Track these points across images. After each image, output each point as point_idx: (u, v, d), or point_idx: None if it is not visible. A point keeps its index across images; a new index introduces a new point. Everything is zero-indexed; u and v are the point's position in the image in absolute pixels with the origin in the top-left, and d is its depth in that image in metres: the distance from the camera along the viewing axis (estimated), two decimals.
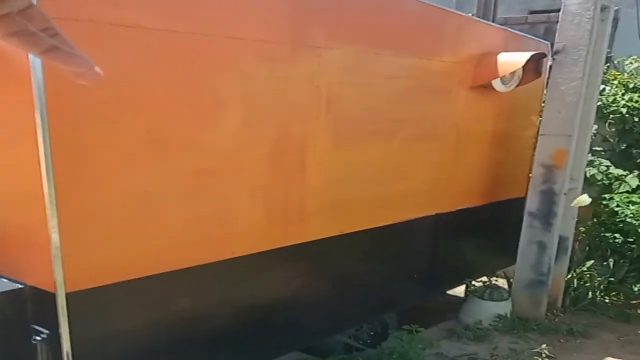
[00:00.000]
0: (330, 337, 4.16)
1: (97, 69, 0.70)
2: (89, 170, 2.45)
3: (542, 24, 6.75)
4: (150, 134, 2.62)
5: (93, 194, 2.48)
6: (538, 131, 4.89)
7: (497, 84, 4.33)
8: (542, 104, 4.99)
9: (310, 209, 3.47)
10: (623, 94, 5.67)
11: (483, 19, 6.00)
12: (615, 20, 6.31)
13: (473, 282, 5.14)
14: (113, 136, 2.50)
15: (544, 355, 3.79)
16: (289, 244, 3.37)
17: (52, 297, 2.40)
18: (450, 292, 5.41)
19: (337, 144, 3.50)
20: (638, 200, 5.38)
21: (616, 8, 5.09)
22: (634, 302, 5.46)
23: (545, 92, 4.90)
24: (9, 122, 2.49)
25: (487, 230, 5.06)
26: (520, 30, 5.13)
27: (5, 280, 2.59)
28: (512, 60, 4.26)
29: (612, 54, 6.26)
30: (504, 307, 4.91)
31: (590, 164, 5.45)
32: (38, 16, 0.65)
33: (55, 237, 2.34)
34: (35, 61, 2.21)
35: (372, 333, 4.53)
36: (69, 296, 2.43)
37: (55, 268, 2.37)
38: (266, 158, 3.15)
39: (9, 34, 0.63)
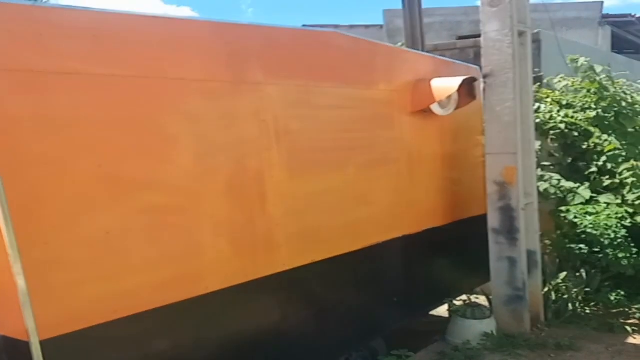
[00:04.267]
0: None
1: None
2: (46, 214, 2.47)
3: (471, 49, 7.15)
4: (102, 173, 2.66)
5: (54, 237, 2.48)
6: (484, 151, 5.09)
7: (436, 108, 4.59)
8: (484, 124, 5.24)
9: (277, 240, 3.50)
10: (558, 111, 6.04)
11: (413, 47, 6.36)
12: (538, 42, 6.88)
13: (454, 302, 5.05)
14: (65, 178, 2.54)
15: None
16: (261, 276, 3.37)
17: (26, 345, 2.35)
18: (433, 312, 5.31)
19: (293, 174, 3.60)
20: (593, 210, 5.55)
21: (535, 31, 5.51)
22: (614, 311, 5.45)
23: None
24: None
25: (457, 248, 5.11)
26: (451, 56, 5.53)
27: None
28: (446, 85, 4.55)
29: (541, 73, 6.73)
30: (488, 325, 4.83)
31: (540, 178, 5.65)
32: None
33: (21, 282, 2.32)
34: None
35: None
36: (43, 344, 2.38)
37: (26, 315, 2.33)
38: (225, 191, 3.21)
39: None
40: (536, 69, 5.41)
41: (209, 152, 3.13)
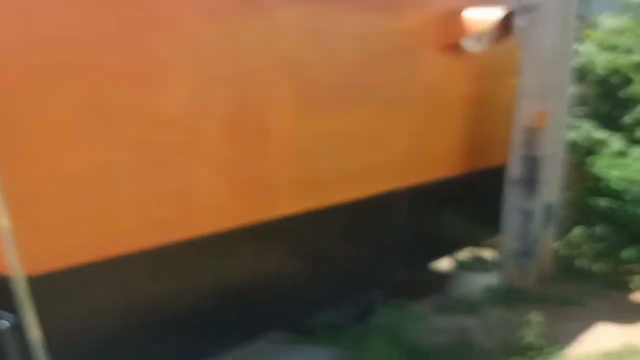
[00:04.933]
0: (312, 316, 4.02)
1: None
2: (27, 144, 2.30)
3: None
4: (88, 101, 2.44)
5: (37, 170, 2.34)
6: (516, 94, 4.72)
7: (467, 43, 4.15)
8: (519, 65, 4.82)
9: (280, 183, 3.30)
10: (599, 54, 5.52)
11: None
12: None
13: (459, 255, 4.98)
14: (48, 105, 2.32)
15: (535, 323, 3.65)
16: (261, 220, 3.22)
17: (10, 280, 2.29)
18: (437, 265, 5.26)
19: (301, 112, 3.31)
20: (621, 163, 5.24)
21: None
22: (624, 269, 5.32)
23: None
24: None
25: (469, 200, 4.90)
26: None
27: None
28: (482, 17, 4.11)
29: (587, 11, 6.10)
30: (492, 279, 4.78)
31: (571, 127, 5.29)
32: None
33: (3, 218, 2.20)
34: None
35: (358, 309, 4.34)
36: (30, 280, 2.32)
37: (9, 249, 2.25)
38: (224, 128, 2.96)
39: None
40: (581, 8, 4.88)
41: (208, 82, 2.85)
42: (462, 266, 4.89)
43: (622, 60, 5.59)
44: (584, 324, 4.21)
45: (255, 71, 3.04)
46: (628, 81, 5.55)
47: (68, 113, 2.38)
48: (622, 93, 5.55)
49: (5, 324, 2.39)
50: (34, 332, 2.38)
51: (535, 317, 3.70)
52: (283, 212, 3.34)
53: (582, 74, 5.55)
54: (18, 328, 2.37)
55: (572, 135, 5.29)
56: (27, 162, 2.30)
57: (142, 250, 2.70)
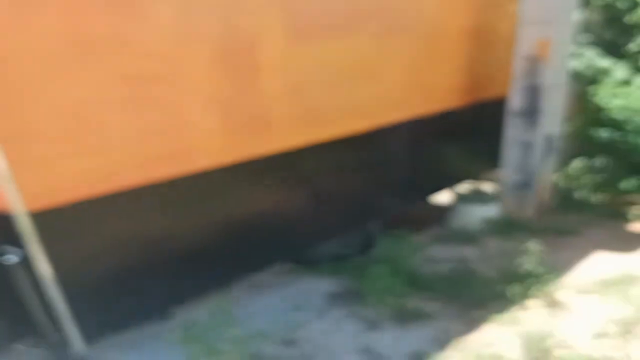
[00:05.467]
0: (315, 248, 4.07)
1: None
2: (10, 79, 2.21)
3: None
4: (71, 31, 2.33)
5: (22, 106, 2.26)
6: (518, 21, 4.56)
7: None
8: None
9: (274, 117, 3.21)
10: None
11: None
12: None
13: (458, 187, 4.98)
14: (29, 37, 2.22)
15: (532, 252, 3.70)
16: (256, 156, 3.17)
17: (14, 218, 2.30)
18: (435, 198, 5.28)
19: (294, 41, 3.18)
20: (623, 93, 5.14)
21: None
22: (622, 199, 5.36)
23: None
24: None
25: (469, 133, 4.84)
26: None
27: None
28: None
29: None
30: (491, 210, 4.82)
31: (574, 55, 5.15)
32: None
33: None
34: None
35: (359, 241, 4.42)
36: (32, 216, 2.33)
37: (8, 187, 2.24)
38: (213, 59, 2.85)
39: None
40: None
41: (194, 9, 2.71)
42: (462, 198, 4.89)
43: None
44: (582, 253, 4.26)
45: None
46: (634, 5, 5.37)
47: (51, 47, 2.29)
48: (628, 19, 5.38)
49: (14, 258, 2.42)
50: (43, 266, 2.42)
51: (533, 246, 3.73)
52: (280, 147, 3.29)
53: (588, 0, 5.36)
54: (26, 262, 2.40)
55: (575, 63, 5.16)
56: (11, 96, 2.24)
57: (140, 185, 2.68)
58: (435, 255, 4.30)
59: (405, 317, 3.34)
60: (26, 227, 2.36)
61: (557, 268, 3.84)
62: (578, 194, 5.28)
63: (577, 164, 5.26)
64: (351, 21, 3.48)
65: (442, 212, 5.09)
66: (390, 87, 3.93)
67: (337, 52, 3.45)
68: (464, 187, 5.12)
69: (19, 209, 2.31)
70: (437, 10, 4.11)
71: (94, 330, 2.67)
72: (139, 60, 2.58)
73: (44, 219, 2.38)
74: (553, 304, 3.45)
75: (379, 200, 4.30)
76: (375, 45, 3.70)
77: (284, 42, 3.12)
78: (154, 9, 2.57)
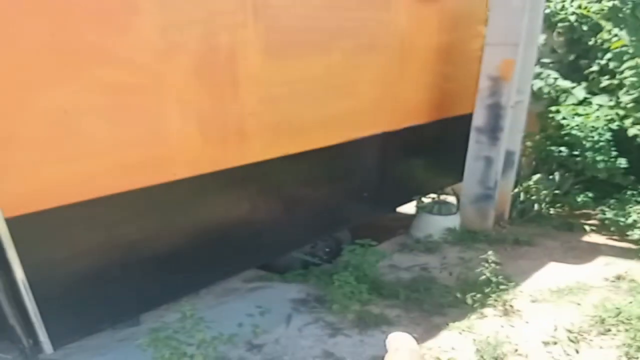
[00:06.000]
0: (284, 255, 4.16)
1: None
2: None
3: None
4: (56, 43, 2.39)
5: (5, 113, 2.31)
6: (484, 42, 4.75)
7: None
8: (488, 12, 4.82)
9: (250, 129, 3.30)
10: (572, 1, 5.53)
11: None
12: None
13: (422, 199, 5.14)
14: (14, 47, 2.27)
15: (490, 261, 3.86)
16: (232, 166, 3.26)
17: None
18: (400, 209, 5.43)
19: (271, 56, 3.27)
20: (583, 112, 5.41)
21: None
22: (578, 212, 5.62)
23: None
24: None
25: (435, 147, 5.01)
26: None
27: None
28: None
29: None
30: (452, 221, 4.98)
31: (537, 76, 5.39)
32: None
33: None
34: None
35: (327, 249, 4.59)
36: (8, 221, 2.37)
37: None
38: (193, 72, 2.93)
39: None
40: None
41: (176, 24, 2.79)
42: (426, 209, 5.05)
43: (594, 7, 5.63)
44: (538, 263, 4.44)
45: (222, 13, 2.97)
46: (597, 28, 5.62)
47: (34, 54, 2.34)
48: (589, 41, 5.64)
49: None
50: (17, 271, 2.45)
51: (491, 255, 3.89)
52: (255, 158, 3.38)
53: (552, 22, 5.59)
54: (2, 268, 2.43)
55: (538, 83, 5.40)
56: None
57: (116, 192, 2.74)
58: (399, 263, 4.44)
59: (368, 323, 3.44)
60: (3, 232, 2.39)
61: (514, 277, 4.00)
62: (536, 207, 5.48)
63: (535, 178, 5.47)
64: (324, 39, 3.59)
65: (407, 221, 5.24)
66: (360, 102, 4.05)
67: (310, 68, 3.55)
68: (428, 198, 5.28)
69: None
70: (409, 27, 4.23)
71: (63, 334, 2.71)
72: (121, 71, 2.64)
73: (20, 224, 2.41)
74: (508, 311, 3.58)
75: (347, 210, 4.41)
76: (348, 62, 3.81)
77: (260, 58, 3.21)
78: (137, 23, 2.64)
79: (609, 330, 3.33)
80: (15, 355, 2.76)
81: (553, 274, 4.23)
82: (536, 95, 5.38)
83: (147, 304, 3.18)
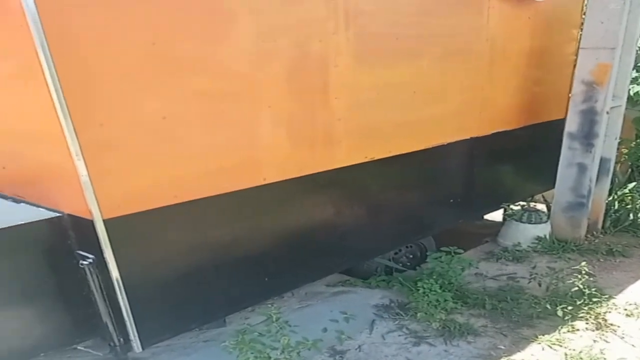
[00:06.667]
0: (369, 260, 4.19)
1: None
2: (99, 94, 2.35)
3: None
4: (156, 52, 2.47)
5: (109, 118, 2.40)
6: (579, 46, 4.57)
7: None
8: (583, 16, 4.65)
9: (338, 135, 3.37)
10: None
11: None
12: None
13: (511, 206, 5.02)
14: (118, 56, 2.37)
15: (583, 272, 3.72)
16: (319, 170, 3.33)
17: (90, 223, 2.45)
18: (487, 216, 5.35)
19: (361, 63, 3.32)
20: None
21: None
22: None
23: (586, 1, 4.55)
24: (10, 59, 2.43)
25: (524, 153, 4.89)
26: None
27: (44, 209, 2.66)
28: None
29: None
30: (542, 230, 4.82)
31: (634, 80, 5.11)
32: None
33: (80, 163, 2.34)
34: None
35: (410, 256, 4.58)
36: (107, 222, 2.47)
37: (87, 194, 2.39)
38: (285, 79, 3.01)
39: None
40: None
41: (269, 33, 2.85)
42: (515, 217, 4.93)
43: None
44: (633, 275, 4.22)
45: (314, 21, 3.02)
46: None
47: (136, 62, 2.42)
48: None
49: (89, 262, 2.56)
50: (113, 271, 2.55)
51: (584, 266, 3.74)
52: (342, 163, 3.44)
53: None
54: (99, 266, 2.56)
55: (635, 88, 5.12)
56: (100, 108, 2.37)
57: (208, 196, 2.82)
58: (485, 271, 4.36)
59: (453, 333, 3.38)
60: (102, 233, 2.48)
61: (607, 289, 3.84)
62: (631, 217, 5.20)
63: (631, 186, 5.20)
64: (414, 45, 3.61)
65: (494, 229, 5.12)
66: (449, 108, 4.03)
67: (399, 73, 3.58)
68: (518, 205, 5.15)
69: (97, 215, 2.44)
70: (501, 32, 4.17)
71: (152, 334, 2.78)
72: (217, 79, 2.73)
73: (117, 225, 2.50)
74: (602, 325, 3.44)
75: (433, 217, 4.39)
76: (437, 68, 3.81)
77: (350, 64, 3.26)
78: (233, 32, 2.72)
79: None
80: (106, 353, 2.82)
81: None
82: (633, 100, 5.10)
83: (234, 305, 3.23)
